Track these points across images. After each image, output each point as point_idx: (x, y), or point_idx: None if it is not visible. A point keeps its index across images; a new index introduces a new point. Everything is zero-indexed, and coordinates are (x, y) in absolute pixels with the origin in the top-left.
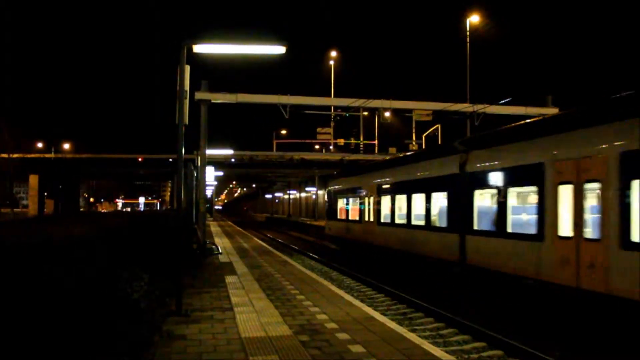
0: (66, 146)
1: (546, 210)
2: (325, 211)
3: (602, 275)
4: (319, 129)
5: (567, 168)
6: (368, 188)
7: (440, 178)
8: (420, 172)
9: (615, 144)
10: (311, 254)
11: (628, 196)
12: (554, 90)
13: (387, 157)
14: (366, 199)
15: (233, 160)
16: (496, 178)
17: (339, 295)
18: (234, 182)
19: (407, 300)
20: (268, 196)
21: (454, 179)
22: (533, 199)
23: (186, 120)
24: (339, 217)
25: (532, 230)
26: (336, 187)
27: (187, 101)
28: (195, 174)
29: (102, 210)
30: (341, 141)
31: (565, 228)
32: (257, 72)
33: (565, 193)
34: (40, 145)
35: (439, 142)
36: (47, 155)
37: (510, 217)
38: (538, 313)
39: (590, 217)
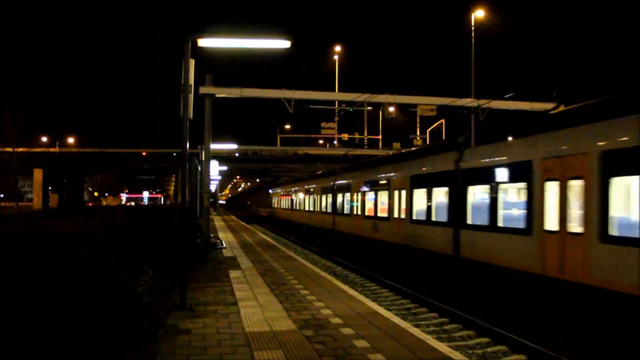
0: (70, 140)
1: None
2: (270, 203)
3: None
4: (323, 124)
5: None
6: (278, 193)
7: (291, 190)
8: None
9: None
10: (315, 249)
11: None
12: (560, 85)
13: (392, 152)
14: (276, 198)
15: (237, 154)
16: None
17: (343, 290)
18: (238, 177)
19: (410, 295)
20: (272, 191)
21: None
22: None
23: (191, 115)
24: (273, 206)
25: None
26: (271, 191)
27: (191, 95)
28: (199, 169)
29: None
30: (345, 136)
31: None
32: (261, 67)
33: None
34: (44, 139)
35: (443, 138)
36: (51, 150)
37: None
38: (537, 309)
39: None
